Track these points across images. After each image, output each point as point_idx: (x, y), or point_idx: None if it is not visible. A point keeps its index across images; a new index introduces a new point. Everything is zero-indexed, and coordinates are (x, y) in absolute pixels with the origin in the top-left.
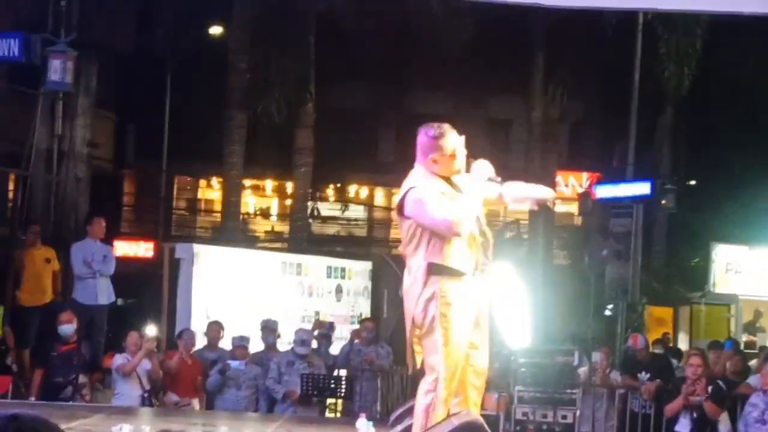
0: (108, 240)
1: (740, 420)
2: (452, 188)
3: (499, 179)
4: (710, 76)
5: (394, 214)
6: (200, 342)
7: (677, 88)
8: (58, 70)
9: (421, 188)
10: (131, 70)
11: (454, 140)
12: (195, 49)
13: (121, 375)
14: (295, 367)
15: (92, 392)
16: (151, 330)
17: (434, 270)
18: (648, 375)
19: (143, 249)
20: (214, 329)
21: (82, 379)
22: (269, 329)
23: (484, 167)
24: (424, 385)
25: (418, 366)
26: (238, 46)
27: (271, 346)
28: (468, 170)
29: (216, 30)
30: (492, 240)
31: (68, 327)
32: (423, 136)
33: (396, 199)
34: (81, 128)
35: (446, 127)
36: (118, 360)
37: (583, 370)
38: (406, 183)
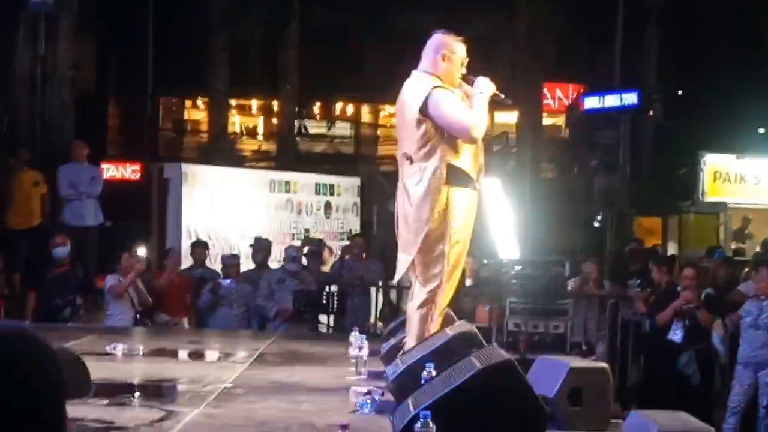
0: (94, 162)
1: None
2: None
3: (502, 96)
4: None
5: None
6: (188, 262)
7: None
8: None
9: (446, 90)
10: None
11: (464, 51)
12: None
13: (113, 296)
14: (286, 284)
15: (88, 312)
16: (141, 250)
17: (450, 173)
18: (638, 281)
19: (130, 171)
20: (198, 248)
21: (78, 300)
22: (261, 247)
23: (487, 83)
24: (420, 295)
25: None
26: None
27: (262, 264)
28: (466, 88)
29: None
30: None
31: (62, 249)
32: (439, 34)
33: (414, 100)
34: (64, 50)
35: (461, 37)
36: (110, 281)
37: (573, 281)
38: (420, 86)
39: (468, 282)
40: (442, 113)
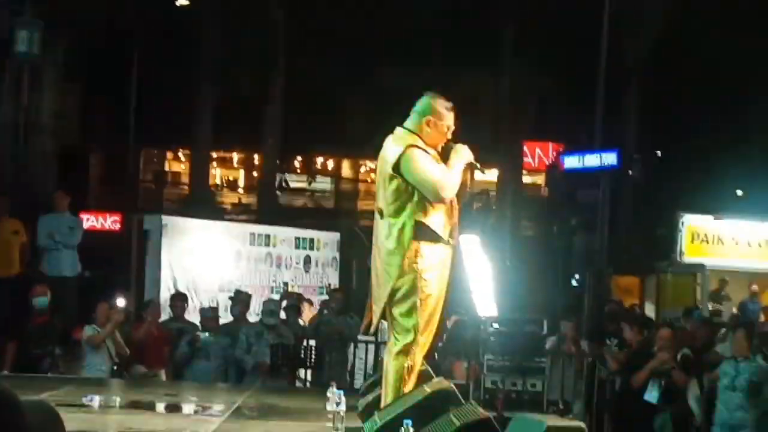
0: (75, 212)
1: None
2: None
3: (479, 167)
4: (676, 48)
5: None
6: (167, 314)
7: (641, 60)
8: (26, 40)
9: (420, 149)
10: (99, 42)
11: (452, 120)
12: (164, 21)
13: (91, 346)
14: (263, 337)
15: (67, 364)
16: (120, 301)
17: (417, 231)
18: (616, 341)
19: (110, 221)
20: (177, 301)
21: (57, 350)
22: (239, 300)
23: (466, 150)
24: (394, 348)
25: (372, 327)
26: (208, 19)
27: (240, 317)
28: (446, 154)
29: (185, 2)
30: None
31: (43, 299)
32: (429, 97)
33: (390, 156)
34: (48, 100)
35: (452, 105)
36: (88, 331)
37: (551, 339)
38: (399, 142)
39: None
40: (413, 172)
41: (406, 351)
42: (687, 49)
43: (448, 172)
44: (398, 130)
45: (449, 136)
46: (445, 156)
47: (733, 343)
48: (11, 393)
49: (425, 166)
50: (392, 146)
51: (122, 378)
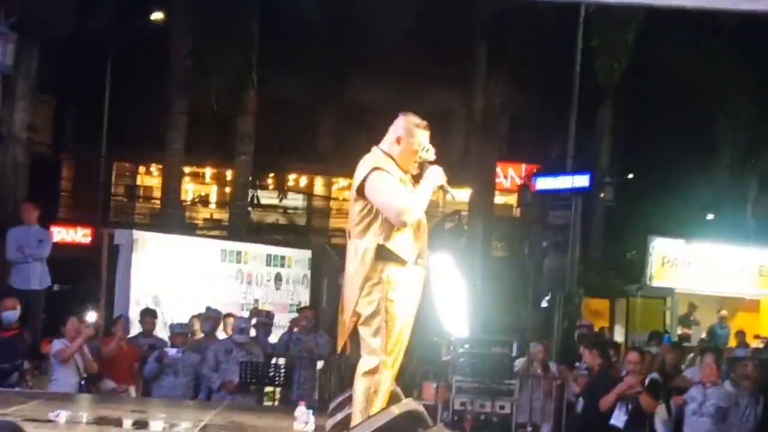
0: (45, 225)
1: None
2: (406, 182)
3: (450, 191)
4: (648, 71)
5: (334, 203)
6: (136, 329)
7: (612, 82)
8: None
9: (384, 172)
10: (71, 54)
11: (425, 139)
12: (136, 34)
13: (59, 361)
14: (233, 355)
15: (34, 378)
16: (90, 316)
17: (381, 253)
18: (585, 365)
19: (81, 235)
20: (147, 317)
21: (26, 365)
22: (209, 317)
23: (438, 173)
24: (362, 367)
25: (346, 348)
26: (180, 32)
27: (210, 334)
28: (418, 170)
29: (158, 15)
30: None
31: (12, 313)
32: (402, 118)
33: (357, 177)
34: (20, 112)
35: (425, 124)
36: (57, 345)
37: (520, 361)
38: (367, 163)
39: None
40: (376, 194)
41: (373, 371)
42: (658, 72)
43: (413, 196)
44: (374, 149)
45: (427, 156)
46: (421, 177)
47: (701, 368)
48: None
49: (388, 189)
50: (361, 167)
51: (90, 393)
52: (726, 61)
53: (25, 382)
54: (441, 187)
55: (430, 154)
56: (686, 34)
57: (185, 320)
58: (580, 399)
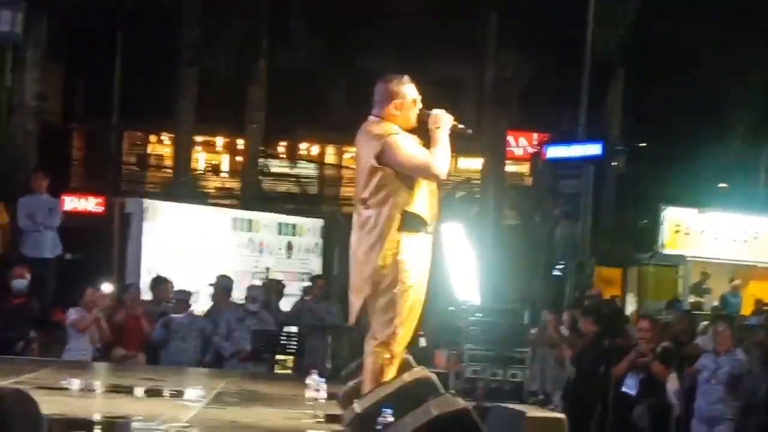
0: (56, 194)
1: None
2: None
3: (461, 126)
4: (660, 39)
5: (346, 172)
6: (149, 297)
7: (625, 50)
8: (8, 21)
9: (399, 135)
10: (81, 22)
11: (414, 91)
12: (146, 2)
13: (76, 330)
14: (245, 323)
15: (42, 346)
16: (106, 286)
17: (404, 220)
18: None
19: (93, 204)
20: (159, 285)
21: (32, 333)
22: (221, 285)
23: (443, 116)
24: (376, 337)
25: (359, 318)
26: (190, 1)
27: (222, 302)
28: (419, 122)
29: None
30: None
31: (21, 281)
32: (384, 84)
33: (368, 148)
34: (30, 81)
35: (406, 77)
36: (73, 315)
37: (533, 330)
38: (374, 133)
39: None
40: (400, 160)
41: (386, 342)
42: (670, 39)
43: (436, 149)
44: (370, 118)
45: (419, 105)
46: (423, 124)
47: (713, 336)
48: None
49: (411, 150)
50: (368, 138)
51: (103, 361)
52: (738, 29)
53: (31, 351)
54: (453, 128)
55: (419, 103)
56: (698, 1)
57: (196, 288)
58: (571, 365)
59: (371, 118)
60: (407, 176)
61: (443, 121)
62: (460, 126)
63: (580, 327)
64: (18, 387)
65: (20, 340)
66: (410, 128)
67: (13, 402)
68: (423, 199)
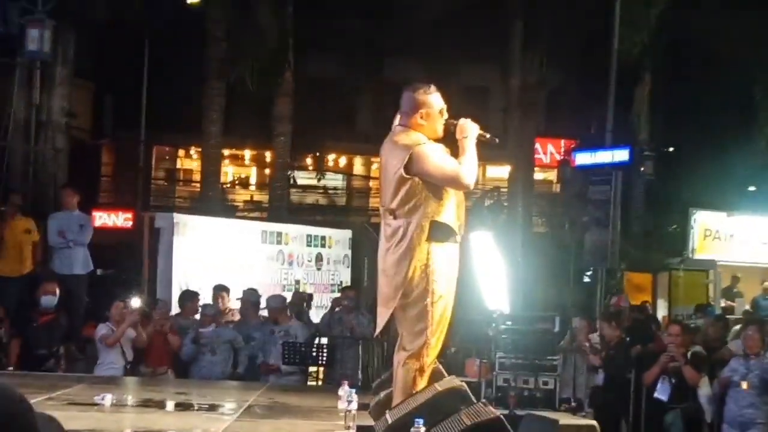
0: (86, 210)
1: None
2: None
3: (488, 135)
4: (685, 44)
5: (373, 182)
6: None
7: (648, 56)
8: (36, 39)
9: (427, 145)
10: (109, 39)
11: (440, 101)
12: (172, 17)
13: (105, 345)
14: (274, 336)
15: (69, 362)
16: (135, 301)
17: (432, 230)
18: (628, 339)
19: (122, 219)
20: (187, 299)
21: (61, 350)
22: (249, 299)
23: (469, 125)
24: (406, 348)
25: (386, 332)
26: (216, 15)
27: (251, 315)
28: (446, 132)
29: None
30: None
31: (50, 298)
32: (410, 93)
33: (396, 158)
34: (59, 98)
35: (433, 87)
36: (102, 330)
37: (564, 337)
38: (402, 143)
39: None
40: (429, 169)
41: (417, 353)
42: (696, 44)
43: (464, 158)
44: (396, 128)
45: (446, 114)
46: (449, 134)
47: (743, 339)
48: (21, 394)
49: (439, 160)
50: (395, 148)
51: (134, 376)
52: (763, 29)
53: (59, 367)
54: (479, 137)
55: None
56: (723, 4)
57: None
58: (600, 372)
59: (397, 127)
60: (435, 186)
61: (470, 130)
62: (487, 135)
63: (603, 333)
64: (47, 413)
65: (51, 358)
66: (437, 138)
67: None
68: (451, 209)
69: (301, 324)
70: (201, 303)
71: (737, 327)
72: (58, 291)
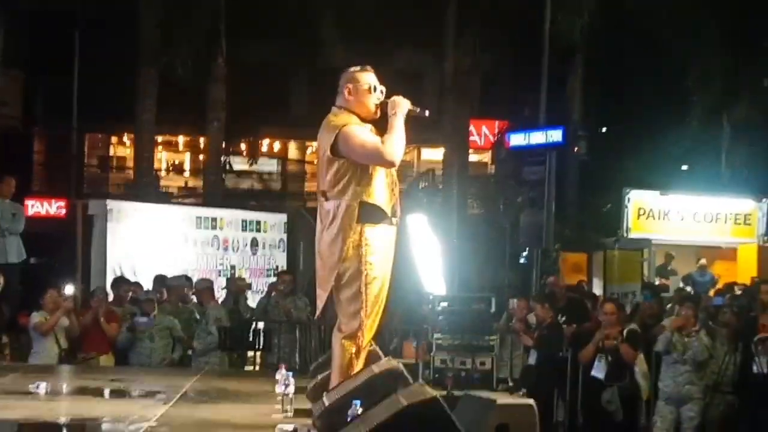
0: (19, 198)
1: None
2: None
3: (418, 109)
4: (617, 25)
5: (308, 167)
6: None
7: (580, 37)
8: None
9: (353, 125)
10: (39, 27)
11: (371, 78)
12: (103, 4)
13: (39, 333)
14: (207, 320)
15: (15, 351)
16: (69, 288)
17: (362, 211)
18: (564, 318)
19: (55, 207)
20: (121, 286)
21: (4, 338)
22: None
23: (399, 101)
24: (342, 330)
25: (325, 312)
26: (148, 1)
27: (182, 301)
28: (383, 113)
29: None
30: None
31: None
32: (343, 73)
33: (325, 139)
34: None
35: (368, 67)
36: (35, 318)
37: (501, 318)
38: (331, 124)
39: None
40: (352, 148)
41: (353, 335)
42: (628, 23)
43: (389, 134)
44: (333, 109)
45: (380, 96)
46: (386, 116)
47: (677, 317)
48: None
49: (363, 139)
50: (325, 129)
51: (70, 364)
52: (696, 11)
53: (4, 356)
54: (410, 112)
55: (381, 93)
56: None
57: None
58: (532, 351)
59: (333, 108)
60: (364, 166)
61: (399, 105)
62: (417, 109)
63: (537, 314)
64: None
65: None
66: (371, 118)
67: None
68: (382, 190)
69: (221, 306)
70: (138, 290)
71: (669, 305)
72: (1, 279)
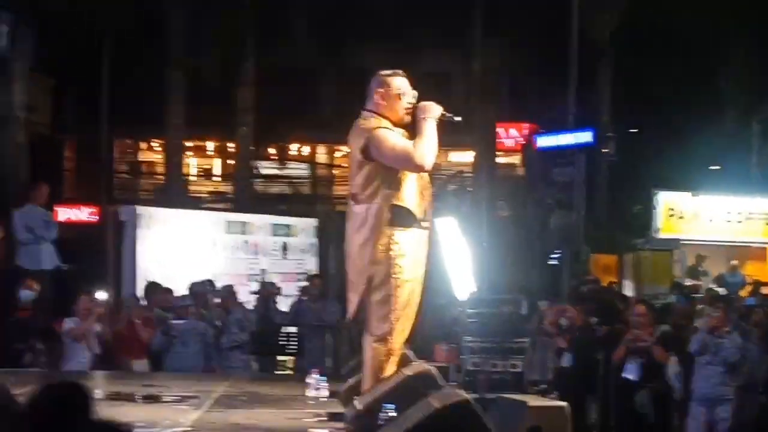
0: (49, 205)
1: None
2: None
3: (449, 115)
4: (647, 24)
5: (337, 171)
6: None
7: (609, 37)
8: None
9: (384, 129)
10: (68, 33)
11: (403, 83)
12: (132, 9)
13: (72, 339)
14: (243, 325)
15: (52, 358)
16: (101, 294)
17: (393, 214)
18: (596, 320)
19: (86, 213)
20: (153, 291)
21: (39, 345)
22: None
23: (430, 106)
24: (373, 333)
25: (358, 316)
26: (176, 5)
27: (220, 306)
28: (414, 118)
29: None
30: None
31: (29, 293)
32: (374, 78)
33: (356, 143)
34: (18, 93)
35: (399, 71)
36: (68, 324)
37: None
38: (362, 128)
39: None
40: (384, 152)
41: (383, 339)
42: (659, 23)
43: (420, 138)
44: (363, 112)
45: (412, 100)
46: (415, 122)
47: (709, 317)
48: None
49: (394, 143)
50: (356, 132)
51: (103, 370)
52: (727, 11)
53: (39, 362)
54: (441, 117)
55: (413, 98)
56: None
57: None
58: (565, 353)
59: (363, 112)
60: (395, 170)
61: (430, 111)
62: (448, 115)
63: (569, 316)
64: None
65: (27, 352)
66: (402, 123)
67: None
68: (412, 193)
69: (246, 309)
70: (174, 295)
71: (701, 306)
72: (37, 287)
